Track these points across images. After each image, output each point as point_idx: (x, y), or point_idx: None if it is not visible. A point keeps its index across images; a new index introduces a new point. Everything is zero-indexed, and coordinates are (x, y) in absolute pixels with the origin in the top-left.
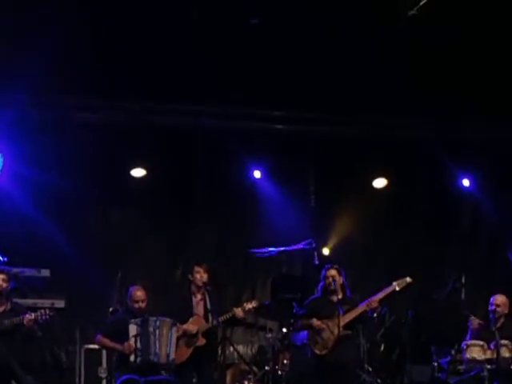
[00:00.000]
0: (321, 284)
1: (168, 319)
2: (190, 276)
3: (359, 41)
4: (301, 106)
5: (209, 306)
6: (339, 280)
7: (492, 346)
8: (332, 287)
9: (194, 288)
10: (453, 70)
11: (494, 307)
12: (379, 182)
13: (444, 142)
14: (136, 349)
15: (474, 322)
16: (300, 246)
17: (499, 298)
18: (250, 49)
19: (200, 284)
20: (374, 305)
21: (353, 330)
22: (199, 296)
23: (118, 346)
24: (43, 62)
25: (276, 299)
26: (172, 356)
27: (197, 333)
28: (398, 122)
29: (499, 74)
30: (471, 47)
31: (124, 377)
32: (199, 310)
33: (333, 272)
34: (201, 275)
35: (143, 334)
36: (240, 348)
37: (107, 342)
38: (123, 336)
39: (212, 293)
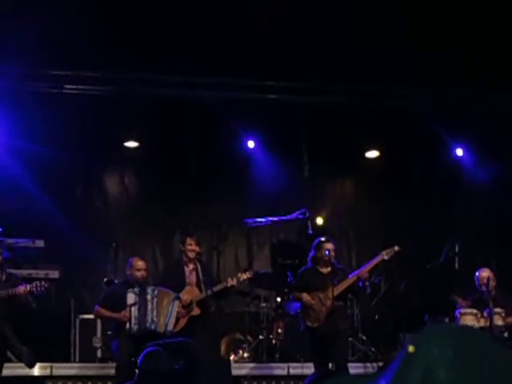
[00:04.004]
0: (312, 254)
1: (171, 291)
2: (181, 247)
3: (351, 10)
4: (294, 76)
5: (201, 275)
6: (334, 253)
7: (485, 315)
8: (326, 258)
9: (185, 258)
10: (445, 38)
11: (479, 281)
12: (372, 152)
13: (437, 111)
14: (133, 317)
15: (463, 304)
16: (294, 215)
17: (484, 272)
18: (242, 19)
19: (192, 256)
20: (365, 275)
21: (344, 301)
22: (191, 266)
23: (115, 315)
24: (35, 34)
25: (276, 265)
26: (170, 327)
27: (191, 302)
28: (392, 91)
29: (492, 43)
30: (464, 16)
31: (147, 349)
32: (191, 279)
33: (330, 245)
34: (192, 247)
35: (141, 303)
36: (234, 317)
37: (105, 312)
38: (121, 307)
39: (204, 263)
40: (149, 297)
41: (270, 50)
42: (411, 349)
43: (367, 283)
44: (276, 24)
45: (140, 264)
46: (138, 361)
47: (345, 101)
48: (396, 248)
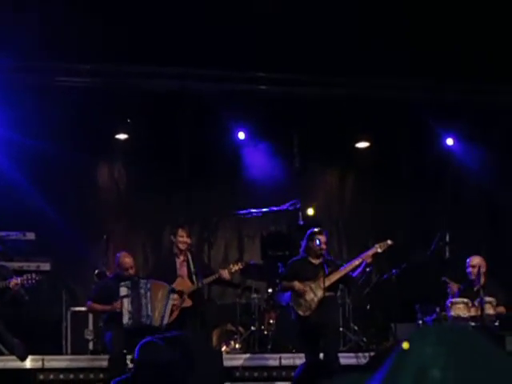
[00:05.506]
0: (304, 244)
1: (165, 284)
2: (173, 238)
3: (342, 1)
4: (285, 67)
5: (192, 267)
6: (325, 246)
7: (476, 304)
8: (317, 249)
9: (176, 250)
10: (437, 30)
11: (470, 269)
12: (363, 143)
13: (427, 101)
14: (126, 311)
15: (453, 287)
16: (285, 206)
17: (475, 259)
18: (234, 10)
19: (183, 248)
20: (369, 259)
21: (335, 291)
22: (182, 257)
23: (107, 308)
24: (26, 26)
25: (266, 257)
26: (166, 321)
27: (182, 294)
28: (383, 82)
29: (489, 37)
30: (457, 8)
31: (145, 339)
32: (183, 271)
33: (322, 237)
34: (184, 238)
35: (134, 296)
36: (225, 308)
37: (97, 306)
38: (114, 301)
39: (195, 254)
40: (142, 291)
41: (261, 41)
42: (405, 345)
43: (367, 269)
44: (268, 15)
45: (127, 261)
46: (135, 352)
47: (336, 92)
48: (389, 242)
